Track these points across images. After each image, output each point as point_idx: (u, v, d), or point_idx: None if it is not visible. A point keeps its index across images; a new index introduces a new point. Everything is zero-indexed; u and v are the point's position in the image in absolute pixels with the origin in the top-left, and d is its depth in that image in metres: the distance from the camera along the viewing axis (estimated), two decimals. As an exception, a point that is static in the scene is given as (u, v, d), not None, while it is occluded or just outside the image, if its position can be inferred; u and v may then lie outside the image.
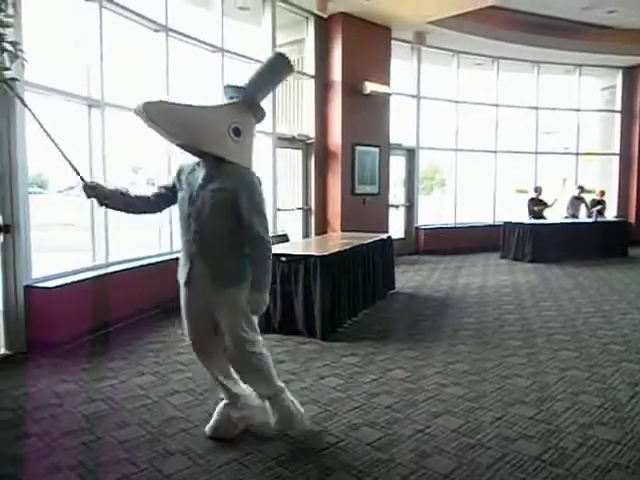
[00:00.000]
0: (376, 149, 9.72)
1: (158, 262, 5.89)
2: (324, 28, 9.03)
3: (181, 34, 6.66)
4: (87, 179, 2.84)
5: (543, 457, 2.78)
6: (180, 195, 2.85)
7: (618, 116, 12.97)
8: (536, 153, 12.50)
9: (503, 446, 2.89)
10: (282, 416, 2.99)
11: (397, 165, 10.86)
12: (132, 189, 3.00)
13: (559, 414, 3.30)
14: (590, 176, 13.22)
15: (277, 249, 5.57)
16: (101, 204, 2.85)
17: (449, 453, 2.82)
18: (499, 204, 12.19)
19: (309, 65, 9.05)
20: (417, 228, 11.17)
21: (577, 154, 12.78)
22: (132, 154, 8.00)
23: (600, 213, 11.43)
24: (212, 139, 2.72)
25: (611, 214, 12.38)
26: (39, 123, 2.81)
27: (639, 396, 3.59)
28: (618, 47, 11.32)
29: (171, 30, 6.46)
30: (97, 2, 5.37)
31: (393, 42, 9.96)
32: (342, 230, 8.71)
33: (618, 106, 12.98)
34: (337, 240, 6.71)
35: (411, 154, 11.10)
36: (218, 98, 7.08)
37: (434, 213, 12.08)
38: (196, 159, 2.87)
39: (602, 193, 11.75)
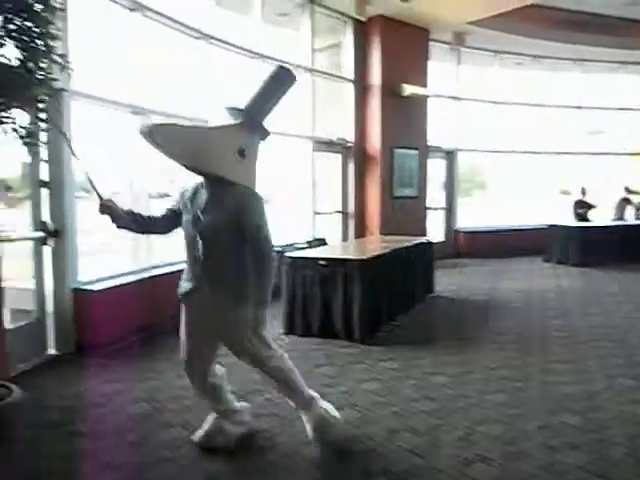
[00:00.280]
0: (415, 152, 9.64)
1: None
2: (362, 31, 9.02)
3: (221, 41, 6.78)
4: (104, 196, 2.83)
5: (589, 467, 2.70)
6: (185, 217, 2.83)
7: (667, 114, 12.50)
8: (581, 154, 12.17)
9: (548, 455, 2.83)
10: (316, 424, 2.94)
11: (436, 167, 10.75)
12: (149, 211, 3.07)
13: (606, 423, 3.20)
14: (637, 177, 12.77)
15: (316, 253, 5.62)
16: (113, 222, 2.84)
17: (492, 461, 2.77)
18: (542, 206, 11.91)
19: (347, 69, 9.06)
20: (457, 231, 11.02)
21: (623, 154, 12.36)
22: (168, 165, 8.18)
23: (649, 214, 11.04)
24: (217, 161, 2.75)
25: (660, 216, 11.93)
26: (63, 135, 2.90)
27: (692, 406, 3.45)
28: (665, 43, 10.94)
29: (212, 37, 6.58)
30: (141, 12, 5.52)
31: (431, 43, 9.88)
32: (381, 233, 8.68)
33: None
34: (376, 244, 6.70)
35: (450, 156, 10.98)
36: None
37: (474, 216, 11.89)
38: (199, 179, 2.87)
39: (650, 194, 11.34)
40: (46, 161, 4.37)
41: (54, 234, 4.49)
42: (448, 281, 7.95)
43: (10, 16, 2.38)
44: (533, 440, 2.99)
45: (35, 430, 3.08)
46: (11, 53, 2.48)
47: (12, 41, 2.44)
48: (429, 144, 10.02)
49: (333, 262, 5.10)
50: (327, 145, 8.76)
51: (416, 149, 9.65)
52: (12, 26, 2.42)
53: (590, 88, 12.10)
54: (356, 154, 9.17)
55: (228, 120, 2.87)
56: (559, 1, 9.73)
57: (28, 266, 4.45)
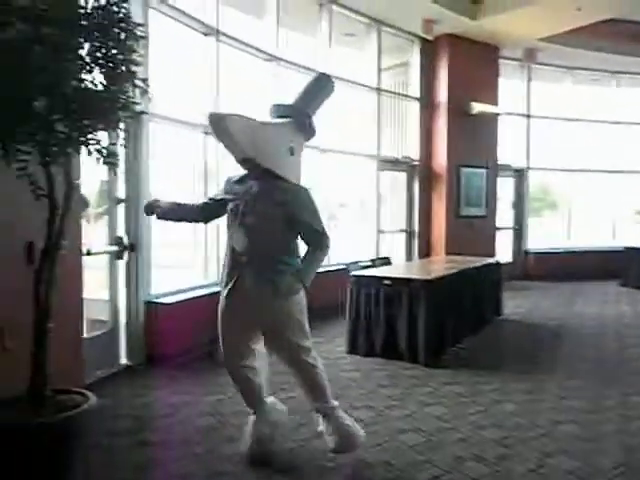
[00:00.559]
0: (483, 170, 9.45)
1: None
2: (429, 50, 9.00)
3: (290, 62, 6.93)
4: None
5: (675, 511, 2.52)
6: (230, 207, 2.91)
7: None
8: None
9: (627, 494, 2.66)
10: (343, 436, 2.91)
11: (505, 186, 10.47)
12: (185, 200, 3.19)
13: (694, 463, 2.98)
14: None
15: (380, 272, 5.58)
16: (157, 216, 3.08)
17: (565, 497, 2.63)
18: (618, 227, 11.33)
19: (414, 87, 9.04)
20: (527, 252, 10.65)
21: None
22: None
23: None
24: (275, 157, 2.87)
25: None
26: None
27: None
28: None
29: (280, 59, 6.75)
30: (214, 36, 5.75)
31: (501, 61, 9.71)
32: (446, 253, 8.52)
33: None
34: (442, 264, 6.58)
35: (520, 175, 10.68)
36: (323, 123, 7.29)
37: (544, 236, 11.44)
38: (242, 171, 2.96)
39: None
40: (124, 178, 4.59)
41: (129, 248, 4.70)
42: (517, 304, 7.68)
43: (98, 44, 2.53)
44: (610, 478, 2.82)
45: (109, 437, 3.21)
46: (97, 79, 2.63)
47: (98, 67, 2.58)
48: (499, 162, 9.79)
49: (398, 281, 5.05)
50: (392, 164, 8.74)
51: (484, 167, 9.45)
52: (99, 54, 2.56)
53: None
54: (422, 172, 9.09)
55: (274, 118, 3.01)
56: (637, 15, 9.31)
57: (104, 278, 4.68)
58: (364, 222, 8.42)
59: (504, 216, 10.43)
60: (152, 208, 3.07)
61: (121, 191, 4.68)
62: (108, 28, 2.52)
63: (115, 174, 4.43)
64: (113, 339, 4.67)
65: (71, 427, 2.43)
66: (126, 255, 4.71)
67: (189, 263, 6.21)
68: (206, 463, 2.98)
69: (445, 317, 5.10)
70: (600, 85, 11.33)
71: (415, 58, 9.03)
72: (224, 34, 5.87)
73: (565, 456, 3.05)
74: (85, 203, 4.07)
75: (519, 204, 10.74)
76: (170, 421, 3.56)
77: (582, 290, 9.13)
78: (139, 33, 2.61)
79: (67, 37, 2.42)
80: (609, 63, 10.45)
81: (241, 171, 3.00)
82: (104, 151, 2.60)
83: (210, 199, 3.12)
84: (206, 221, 3.33)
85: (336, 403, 3.00)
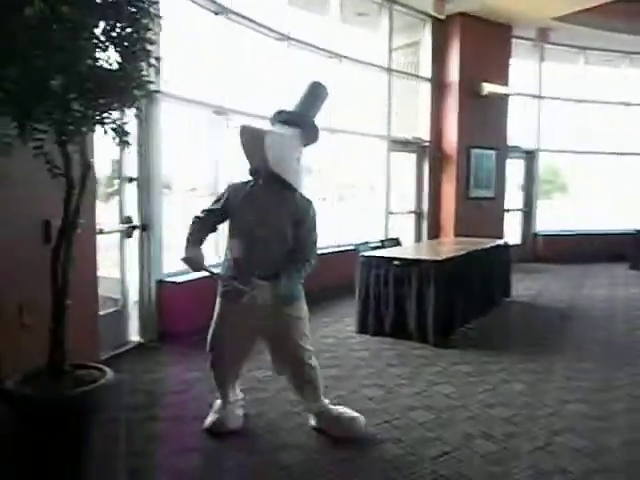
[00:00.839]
0: (492, 152, 9.39)
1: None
2: (441, 29, 8.88)
3: (300, 42, 6.88)
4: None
5: (681, 488, 2.56)
6: (237, 215, 2.91)
7: None
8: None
9: (634, 472, 2.70)
10: (345, 422, 3.04)
11: (515, 168, 10.41)
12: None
13: (701, 443, 3.01)
14: None
15: (390, 252, 5.60)
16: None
17: (572, 474, 2.67)
18: (628, 210, 11.25)
19: (425, 67, 8.95)
20: (535, 234, 10.63)
21: None
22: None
23: None
24: (290, 168, 2.92)
25: None
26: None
27: None
28: None
29: (291, 38, 6.70)
30: (224, 15, 5.71)
31: (514, 40, 9.59)
32: (455, 235, 8.51)
33: None
34: (451, 245, 6.59)
35: (530, 157, 10.60)
36: (332, 102, 7.25)
37: (554, 218, 11.39)
38: (244, 179, 3.02)
39: None
40: (137, 157, 4.61)
41: (141, 228, 4.74)
42: (526, 286, 7.69)
43: (112, 23, 2.53)
44: (618, 455, 2.86)
45: (126, 412, 3.27)
46: (112, 57, 2.63)
47: (113, 46, 2.59)
48: (508, 144, 9.73)
49: (407, 262, 5.07)
50: (403, 145, 8.70)
51: (494, 149, 9.39)
52: (114, 33, 2.57)
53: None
54: (432, 153, 9.04)
55: (280, 124, 3.02)
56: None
57: (115, 257, 4.73)
58: (374, 203, 8.42)
59: (513, 198, 10.38)
60: (199, 266, 3.01)
61: (133, 170, 4.70)
62: (123, 6, 2.52)
63: (129, 152, 4.51)
64: (125, 317, 4.75)
65: (90, 401, 2.48)
66: (137, 234, 4.76)
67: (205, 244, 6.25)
68: (219, 438, 3.03)
69: (454, 298, 5.12)
70: (613, 66, 11.17)
71: (426, 38, 8.93)
72: (235, 13, 5.83)
73: (573, 434, 3.09)
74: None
75: (529, 186, 10.68)
76: (184, 397, 3.63)
77: (591, 272, 9.12)
78: (153, 11, 2.60)
79: (84, 15, 2.42)
80: (622, 43, 10.28)
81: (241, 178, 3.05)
82: (119, 130, 2.62)
83: (208, 211, 3.02)
84: (214, 231, 3.23)
85: (327, 400, 3.13)
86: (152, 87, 2.84)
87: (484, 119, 9.08)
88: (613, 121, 11.17)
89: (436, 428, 3.16)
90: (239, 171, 6.46)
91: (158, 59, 2.74)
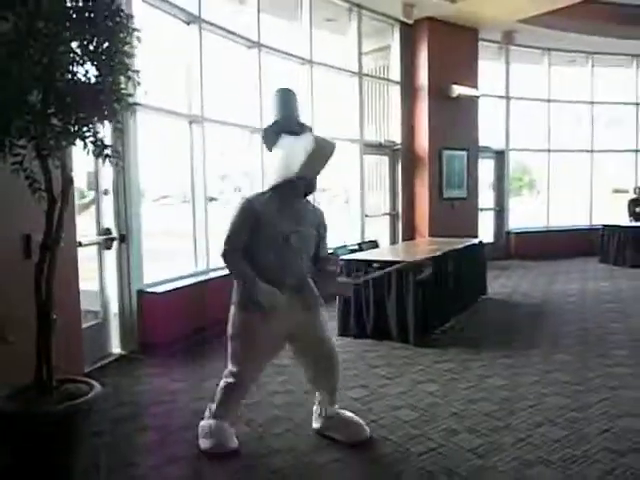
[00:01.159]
0: (464, 152, 9.58)
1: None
2: (409, 34, 9.03)
3: (272, 48, 6.93)
4: None
5: (657, 472, 2.67)
6: (270, 225, 2.83)
7: None
8: (635, 151, 11.78)
9: (612, 459, 2.80)
10: (350, 427, 3.09)
11: (485, 168, 10.62)
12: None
13: (673, 428, 3.14)
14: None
15: (368, 255, 5.68)
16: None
17: (554, 464, 2.77)
18: (596, 206, 11.59)
19: (395, 71, 9.09)
20: (508, 232, 10.86)
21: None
22: (219, 163, 8.40)
23: None
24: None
25: None
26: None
27: None
28: None
29: (262, 45, 6.74)
30: (197, 24, 5.73)
31: (480, 43, 9.81)
32: (430, 235, 8.65)
33: None
34: (427, 246, 6.70)
35: (500, 156, 10.83)
36: (306, 108, 7.31)
37: (524, 216, 11.66)
38: (259, 191, 3.06)
39: None
40: (113, 169, 4.58)
41: (119, 239, 4.72)
42: (501, 283, 7.86)
43: (90, 37, 2.55)
44: (596, 444, 2.97)
45: (112, 423, 3.27)
46: (90, 72, 2.65)
47: (90, 60, 2.60)
48: (478, 144, 9.93)
49: (386, 265, 5.15)
50: (376, 148, 8.81)
51: (465, 150, 9.58)
52: (91, 47, 2.58)
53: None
54: (404, 156, 9.17)
55: (285, 132, 3.03)
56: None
57: (93, 270, 4.70)
58: (350, 206, 8.50)
59: (485, 197, 10.60)
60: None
61: (109, 182, 4.68)
62: (99, 21, 2.54)
63: (100, 165, 4.48)
64: (106, 329, 4.72)
65: (78, 414, 2.48)
66: (116, 245, 4.74)
67: (179, 252, 6.25)
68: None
69: (432, 298, 5.22)
70: (576, 66, 11.50)
71: (395, 42, 9.06)
72: (206, 22, 5.85)
73: (553, 426, 3.20)
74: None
75: (499, 185, 10.90)
76: (169, 407, 3.63)
77: (563, 268, 9.37)
78: (131, 25, 2.63)
79: (60, 30, 2.44)
80: (585, 44, 10.61)
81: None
82: (100, 143, 2.63)
83: (237, 235, 2.85)
84: None
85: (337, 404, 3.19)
86: (131, 100, 2.85)
87: (454, 121, 9.26)
88: (578, 119, 11.49)
89: (421, 425, 3.24)
90: (213, 178, 6.51)
91: (137, 72, 2.77)
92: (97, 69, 2.62)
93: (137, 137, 4.70)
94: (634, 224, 9.88)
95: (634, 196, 10.48)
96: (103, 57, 2.59)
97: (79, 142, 2.61)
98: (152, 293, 4.89)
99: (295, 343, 3.06)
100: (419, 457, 2.86)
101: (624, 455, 2.83)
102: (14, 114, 2.43)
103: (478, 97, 9.63)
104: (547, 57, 11.02)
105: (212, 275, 5.69)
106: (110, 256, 4.72)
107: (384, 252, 6.34)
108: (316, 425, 3.16)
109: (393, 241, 9.16)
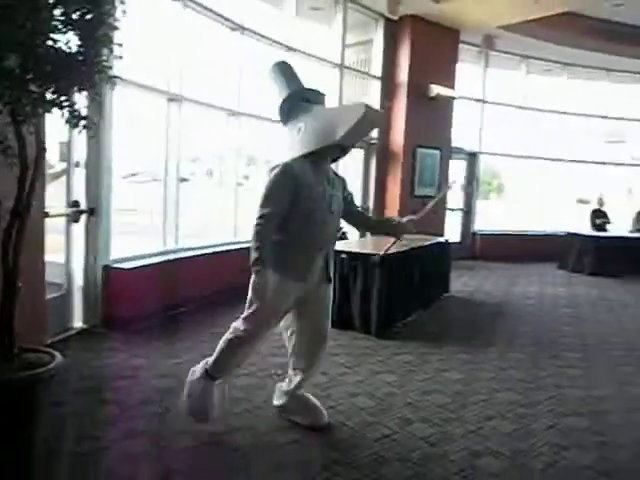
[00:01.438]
0: (437, 152, 9.72)
1: (221, 251, 6.20)
2: (393, 30, 9.10)
3: (255, 33, 6.90)
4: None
5: (596, 467, 2.82)
6: (307, 195, 2.80)
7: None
8: (600, 163, 12.16)
9: (555, 453, 2.95)
10: (311, 411, 3.15)
11: (457, 169, 10.80)
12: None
13: (614, 428, 3.31)
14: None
15: (338, 246, 5.73)
16: None
17: (501, 455, 2.90)
18: (559, 214, 11.93)
19: (376, 66, 9.15)
20: (474, 233, 11.09)
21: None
22: (192, 145, 8.32)
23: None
24: None
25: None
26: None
27: (699, 417, 3.55)
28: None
29: (246, 29, 6.71)
30: (181, 1, 5.66)
31: (461, 45, 9.94)
32: (399, 231, 8.75)
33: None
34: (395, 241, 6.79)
35: (472, 158, 11.03)
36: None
37: (490, 219, 11.92)
38: (290, 159, 2.89)
39: (671, 208, 11.29)
40: (86, 141, 4.53)
41: (88, 212, 4.67)
42: (464, 282, 8.05)
43: (74, 5, 2.52)
44: (542, 438, 3.11)
45: (72, 395, 3.27)
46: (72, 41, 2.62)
47: (73, 30, 2.58)
48: (452, 145, 10.09)
49: (353, 256, 5.23)
50: (351, 141, 8.84)
51: (439, 149, 9.72)
52: (74, 16, 2.56)
53: (617, 98, 12.06)
54: (379, 151, 9.26)
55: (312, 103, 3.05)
56: (591, 10, 9.71)
57: (60, 242, 4.63)
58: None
59: (454, 197, 10.78)
60: None
61: (82, 154, 4.62)
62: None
63: (73, 136, 4.41)
64: (68, 302, 4.66)
65: (40, 383, 2.48)
66: (84, 219, 4.69)
67: (148, 230, 6.21)
68: (167, 421, 3.10)
69: (396, 292, 5.33)
70: (552, 75, 11.77)
71: (378, 37, 9.13)
72: (191, 0, 5.79)
73: (503, 419, 3.34)
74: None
75: (469, 187, 11.11)
76: (130, 382, 3.64)
77: (524, 271, 9.63)
78: (117, -2, 2.61)
79: (43, -4, 2.41)
80: (562, 55, 10.87)
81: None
82: (77, 114, 2.62)
83: (276, 204, 2.78)
84: None
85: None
86: (112, 72, 2.83)
87: (430, 120, 9.38)
88: (550, 128, 11.78)
89: (377, 413, 3.33)
90: (185, 160, 6.46)
91: (120, 45, 2.76)
92: (80, 39, 2.60)
93: (113, 111, 4.64)
94: (594, 233, 10.22)
95: (596, 206, 10.83)
96: (86, 27, 2.57)
97: (56, 111, 2.61)
98: (118, 269, 4.86)
99: (302, 308, 3.00)
100: (374, 443, 2.96)
101: (567, 450, 2.98)
102: (-10, 78, 2.40)
103: (455, 98, 9.77)
104: (525, 64, 11.25)
105: (182, 255, 5.68)
106: (78, 229, 4.67)
107: (352, 244, 6.41)
108: (277, 402, 3.20)
109: (362, 235, 9.24)
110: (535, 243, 11.04)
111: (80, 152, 4.61)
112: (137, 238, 6.78)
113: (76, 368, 3.72)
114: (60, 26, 2.54)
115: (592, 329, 5.76)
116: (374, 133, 9.12)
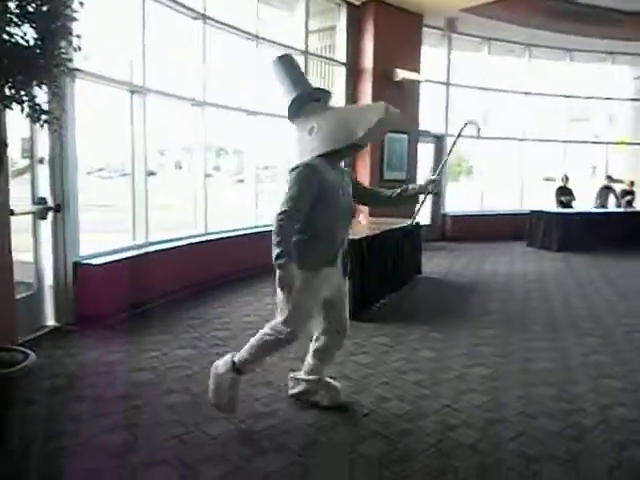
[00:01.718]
0: (404, 136, 9.80)
1: (193, 243, 6.18)
2: (356, 15, 9.11)
3: (218, 22, 6.83)
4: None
5: (564, 433, 2.94)
6: (333, 191, 2.90)
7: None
8: (565, 142, 12.42)
9: (525, 422, 3.06)
10: (334, 392, 3.25)
11: (425, 152, 10.91)
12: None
13: (581, 395, 3.45)
14: (619, 166, 13.09)
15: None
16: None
17: (474, 426, 3.00)
18: (527, 192, 12.17)
19: (340, 52, 9.15)
20: (444, 215, 11.24)
21: (607, 143, 12.66)
22: (159, 137, 8.22)
23: (629, 203, 11.35)
24: None
25: (641, 204, 12.26)
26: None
27: (660, 381, 3.71)
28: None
29: (208, 18, 6.64)
30: (140, -8, 5.58)
31: (424, 29, 10.00)
32: (370, 215, 8.83)
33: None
34: (366, 225, 6.86)
35: (439, 141, 11.15)
36: (252, 84, 7.28)
37: (460, 200, 12.10)
38: (307, 158, 2.92)
39: (632, 183, 11.64)
40: (49, 136, 4.44)
41: (55, 209, 4.60)
42: (435, 263, 8.18)
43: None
44: (512, 409, 3.23)
45: (47, 393, 3.25)
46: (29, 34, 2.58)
47: (29, 23, 2.54)
48: (419, 129, 10.18)
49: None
50: (319, 127, 8.85)
51: (406, 133, 9.80)
52: (30, 8, 2.52)
53: (579, 77, 12.31)
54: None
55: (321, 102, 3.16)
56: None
57: (27, 240, 4.56)
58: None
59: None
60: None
61: (45, 149, 4.54)
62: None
63: (36, 132, 4.33)
64: (39, 301, 4.61)
65: (12, 383, 2.47)
66: (51, 215, 4.62)
67: (118, 225, 6.14)
68: (146, 414, 3.10)
69: (370, 275, 5.40)
70: (515, 56, 11.94)
71: (342, 23, 9.12)
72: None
73: (475, 393, 3.44)
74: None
75: (438, 169, 11.21)
76: (106, 378, 3.63)
77: (494, 250, 9.83)
78: (73, -12, 2.58)
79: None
80: (523, 36, 11.03)
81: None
82: (38, 108, 2.59)
83: (300, 203, 2.81)
84: None
85: None
86: (71, 65, 2.80)
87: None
88: (515, 109, 11.97)
89: (353, 394, 3.40)
90: (152, 152, 6.39)
91: (78, 37, 2.72)
92: (37, 32, 2.56)
93: (75, 105, 4.56)
94: (560, 210, 10.47)
95: (561, 184, 11.08)
96: (43, 19, 2.54)
97: (16, 106, 2.57)
98: (88, 265, 4.81)
99: (328, 306, 3.10)
100: (351, 422, 3.03)
101: (536, 418, 3.10)
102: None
103: (420, 82, 9.85)
104: (487, 46, 11.38)
105: (151, 249, 5.65)
106: (45, 226, 4.60)
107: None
108: (295, 390, 3.31)
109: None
110: (504, 222, 11.27)
111: (44, 148, 4.53)
112: (116, 236, 6.67)
113: (49, 366, 3.70)
114: (15, 19, 2.50)
115: (559, 303, 5.94)
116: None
